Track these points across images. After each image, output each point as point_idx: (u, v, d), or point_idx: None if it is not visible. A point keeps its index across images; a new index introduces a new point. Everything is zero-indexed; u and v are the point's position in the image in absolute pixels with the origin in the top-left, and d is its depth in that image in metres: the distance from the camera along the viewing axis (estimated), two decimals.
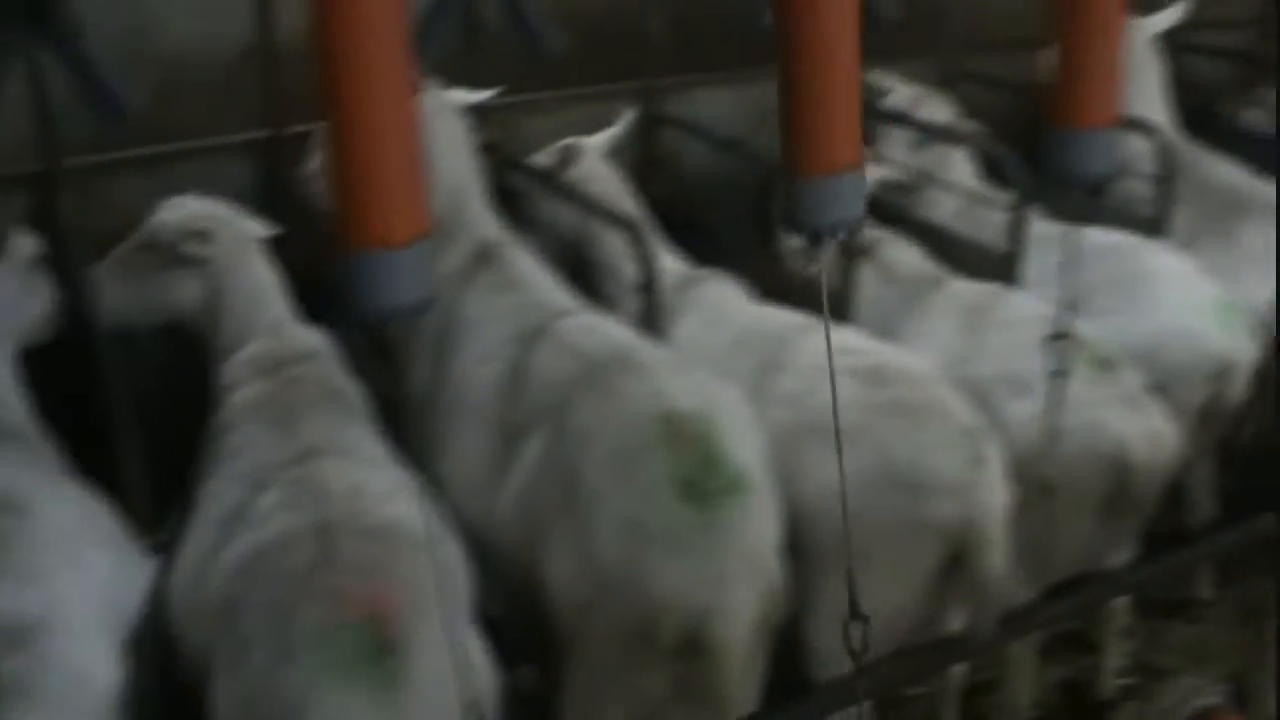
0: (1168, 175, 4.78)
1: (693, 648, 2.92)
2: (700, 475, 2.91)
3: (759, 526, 3.01)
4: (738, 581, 2.93)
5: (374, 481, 3.00)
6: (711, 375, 3.29)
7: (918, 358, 3.69)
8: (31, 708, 2.51)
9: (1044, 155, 2.78)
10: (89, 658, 2.70)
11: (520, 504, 3.12)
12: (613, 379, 3.08)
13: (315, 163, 4.12)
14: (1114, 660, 4.48)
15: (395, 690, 2.53)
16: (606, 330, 3.40)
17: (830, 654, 3.31)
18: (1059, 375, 3.03)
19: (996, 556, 3.40)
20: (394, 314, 1.98)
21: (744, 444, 3.06)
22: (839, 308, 4.03)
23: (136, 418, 3.29)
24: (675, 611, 2.88)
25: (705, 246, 4.44)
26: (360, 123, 1.92)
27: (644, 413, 2.98)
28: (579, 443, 3.00)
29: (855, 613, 2.67)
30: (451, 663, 2.29)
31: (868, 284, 4.24)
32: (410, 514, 2.89)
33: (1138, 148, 4.81)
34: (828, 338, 2.59)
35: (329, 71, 1.91)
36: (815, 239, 2.35)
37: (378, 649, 2.55)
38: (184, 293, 3.81)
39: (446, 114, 3.93)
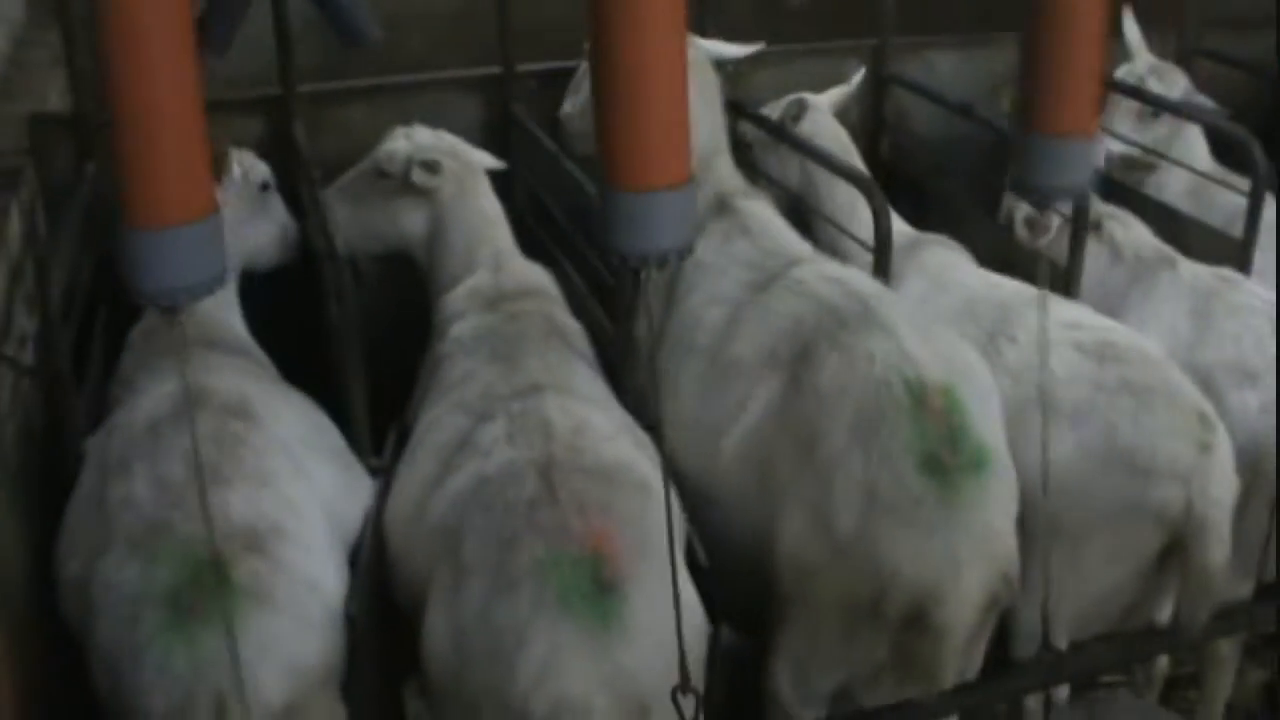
0: None
1: (918, 622, 2.88)
2: (944, 449, 2.85)
3: (998, 506, 2.94)
4: (972, 561, 2.87)
5: (597, 420, 3.02)
6: (955, 338, 3.23)
7: (1147, 339, 3.57)
8: (264, 611, 2.57)
9: None
10: (319, 566, 2.76)
11: (749, 453, 3.09)
12: (858, 337, 3.02)
13: (575, 103, 4.15)
14: None
15: (612, 627, 2.55)
16: (848, 279, 3.34)
17: (1033, 631, 3.27)
18: None
19: (1218, 547, 3.27)
20: (658, 256, 1.97)
21: (987, 419, 3.00)
22: (1063, 284, 3.92)
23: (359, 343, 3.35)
24: (905, 586, 2.84)
25: (930, 211, 4.38)
26: (635, 64, 1.91)
27: (891, 379, 2.92)
28: (822, 401, 2.96)
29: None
30: (669, 606, 2.28)
31: (1095, 261, 4.12)
32: (633, 456, 2.91)
33: None
34: (1044, 306, 2.59)
35: (601, 11, 1.90)
36: (1043, 202, 2.37)
37: (597, 585, 2.56)
38: (409, 222, 3.89)
39: (702, 63, 3.91)
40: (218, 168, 3.66)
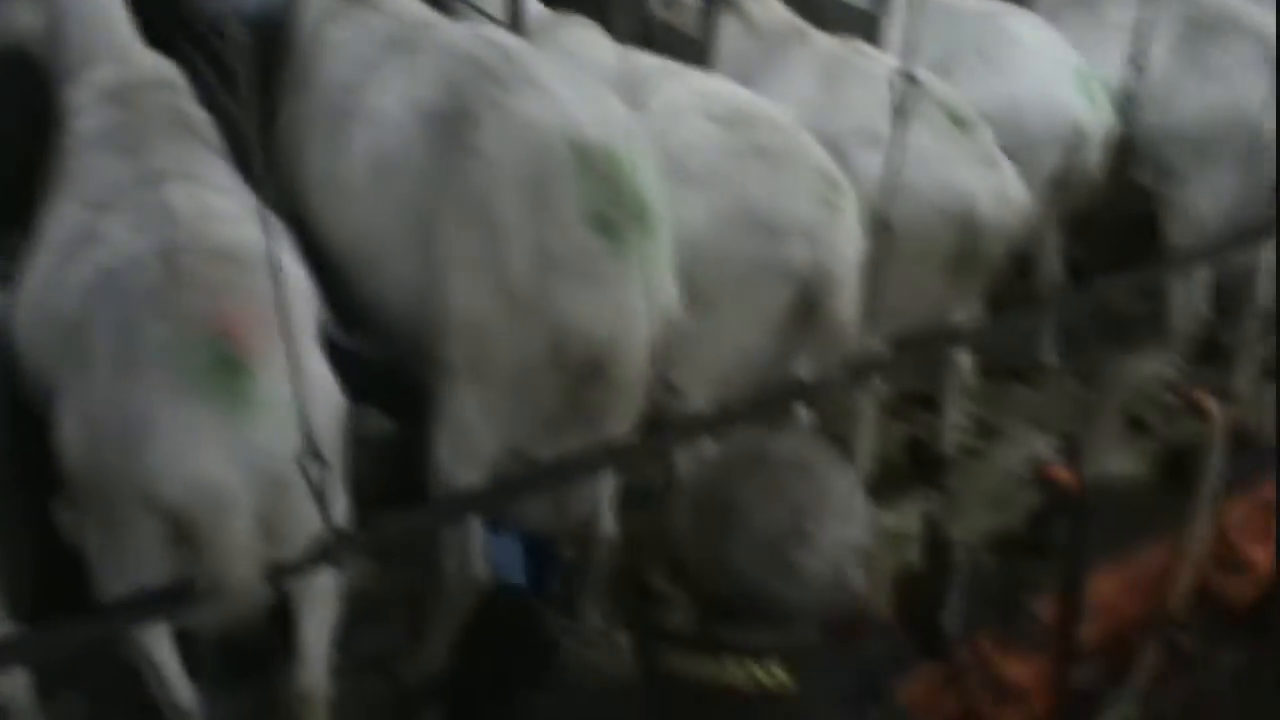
0: None
1: (594, 374, 2.96)
2: (610, 206, 2.90)
3: (661, 254, 3.02)
4: (644, 310, 2.97)
5: (222, 205, 2.93)
6: (609, 95, 3.23)
7: (774, 105, 3.64)
8: None
9: None
10: None
11: (406, 215, 3.05)
12: (518, 100, 2.99)
13: None
14: (955, 418, 4.60)
15: (241, 406, 2.54)
16: (495, 37, 3.29)
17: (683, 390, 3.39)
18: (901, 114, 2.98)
19: (846, 302, 3.44)
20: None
21: (648, 174, 3.04)
22: (700, 57, 3.97)
23: None
24: (583, 338, 2.92)
25: None
26: None
27: (555, 141, 2.92)
28: (489, 166, 2.93)
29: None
30: (298, 383, 2.26)
31: (730, 35, 4.18)
32: (258, 237, 2.84)
33: None
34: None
35: None
36: None
37: (225, 365, 2.54)
38: (22, 14, 3.65)
39: None
40: None
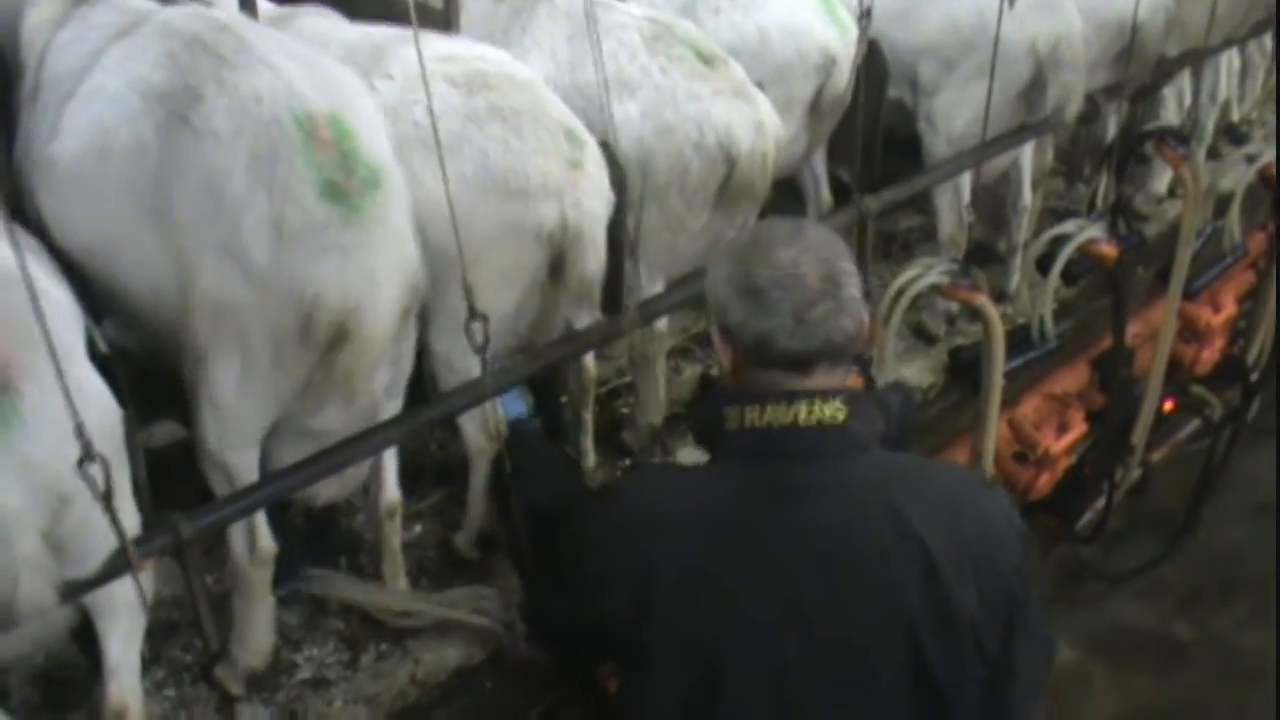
0: None
1: (342, 340, 2.98)
2: (339, 174, 2.90)
3: (399, 218, 3.05)
4: (385, 272, 3.00)
5: None
6: (334, 64, 3.23)
7: (517, 64, 3.66)
8: None
9: None
10: None
11: (137, 199, 2.97)
12: (242, 76, 2.96)
13: None
14: None
15: (10, 426, 2.47)
16: (214, 14, 3.24)
17: (455, 357, 3.39)
18: None
19: (594, 257, 3.55)
20: None
21: (375, 138, 3.06)
22: (447, 29, 3.96)
23: None
24: (328, 308, 2.91)
25: None
26: None
27: (280, 116, 2.90)
28: (219, 145, 2.89)
29: (473, 312, 2.76)
30: (66, 397, 2.21)
31: (474, 2, 4.17)
32: (7, 254, 2.76)
33: None
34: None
35: None
36: None
37: None
38: None
39: None
40: None
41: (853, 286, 2.26)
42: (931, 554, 2.28)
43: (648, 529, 2.39)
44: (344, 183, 2.91)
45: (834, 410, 2.28)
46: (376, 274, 2.97)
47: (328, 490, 3.37)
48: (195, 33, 3.10)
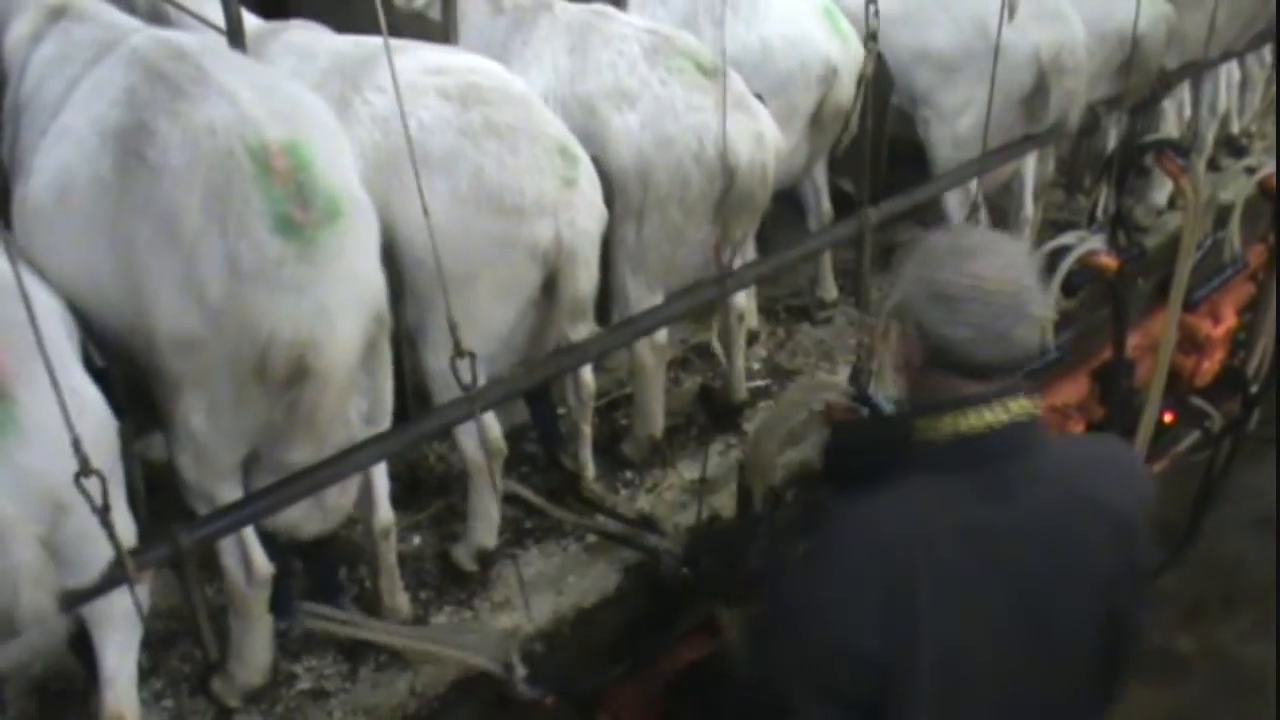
0: None
1: (301, 375, 2.93)
2: (295, 207, 2.84)
3: (360, 251, 2.99)
4: (343, 308, 2.94)
5: None
6: (297, 89, 3.19)
7: (512, 77, 3.66)
8: None
9: None
10: None
11: (95, 232, 2.96)
12: (196, 107, 2.91)
13: None
14: (741, 364, 4.69)
15: (7, 434, 2.49)
16: (180, 41, 3.20)
17: (448, 375, 3.38)
18: None
19: (585, 274, 3.55)
20: None
21: (336, 166, 3.00)
22: (443, 36, 3.96)
23: None
24: (284, 344, 2.87)
25: None
26: None
27: (234, 147, 2.85)
28: (173, 180, 2.85)
29: (459, 350, 2.76)
30: (61, 406, 2.21)
31: (477, 14, 4.18)
32: (4, 267, 2.76)
33: None
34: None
35: None
36: None
37: None
38: None
39: None
40: None
41: (1037, 304, 2.30)
42: (1121, 519, 2.39)
43: (880, 562, 2.34)
44: (300, 215, 2.85)
45: (1027, 406, 2.34)
46: (332, 310, 2.91)
47: (310, 525, 3.31)
48: (154, 62, 3.05)
